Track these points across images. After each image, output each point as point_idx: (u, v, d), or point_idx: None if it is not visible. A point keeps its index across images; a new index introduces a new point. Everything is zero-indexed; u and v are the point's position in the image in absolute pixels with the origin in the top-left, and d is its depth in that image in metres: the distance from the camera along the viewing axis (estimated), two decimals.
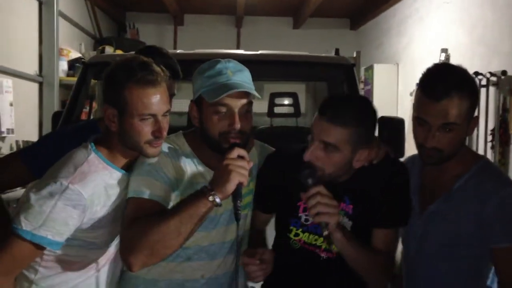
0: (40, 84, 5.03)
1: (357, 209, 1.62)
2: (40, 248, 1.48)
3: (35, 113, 4.97)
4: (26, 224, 1.44)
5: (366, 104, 1.57)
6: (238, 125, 1.54)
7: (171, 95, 1.81)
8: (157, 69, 1.54)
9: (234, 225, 1.59)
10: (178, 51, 3.91)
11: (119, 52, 5.73)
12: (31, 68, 4.88)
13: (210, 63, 1.61)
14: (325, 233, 1.47)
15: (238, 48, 8.00)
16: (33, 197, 1.46)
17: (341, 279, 1.65)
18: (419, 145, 1.62)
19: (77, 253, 1.57)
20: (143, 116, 1.51)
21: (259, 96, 1.60)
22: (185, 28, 8.41)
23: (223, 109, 1.55)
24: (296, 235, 1.68)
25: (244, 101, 1.56)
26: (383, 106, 6.15)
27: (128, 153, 1.60)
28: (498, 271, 1.63)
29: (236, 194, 1.46)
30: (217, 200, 1.43)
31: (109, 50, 5.91)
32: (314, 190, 1.46)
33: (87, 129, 1.83)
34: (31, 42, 4.91)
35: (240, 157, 1.47)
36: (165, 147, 1.61)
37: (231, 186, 1.43)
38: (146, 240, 1.41)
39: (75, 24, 6.14)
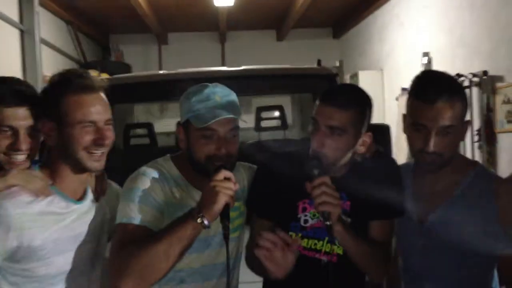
0: None
1: (354, 205, 1.63)
2: None
3: None
4: None
5: (360, 89, 1.67)
6: (224, 150, 1.55)
7: (34, 126, 1.54)
8: (94, 76, 1.52)
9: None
10: (161, 71, 3.92)
11: (104, 75, 5.74)
12: None
13: (198, 88, 1.62)
14: (327, 223, 1.50)
15: (223, 63, 8.04)
16: None
17: (343, 283, 1.65)
18: (418, 152, 1.60)
19: (12, 286, 1.45)
20: (82, 124, 1.46)
21: (246, 122, 1.62)
22: (170, 47, 8.45)
23: (210, 133, 1.56)
24: None
25: (230, 125, 1.57)
26: None
27: (73, 174, 1.52)
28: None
29: (224, 215, 1.46)
30: (205, 222, 1.43)
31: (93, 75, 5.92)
32: (320, 180, 1.50)
33: None
34: (14, 71, 4.89)
35: (227, 179, 1.47)
36: (153, 172, 1.61)
37: (218, 207, 1.43)
38: (135, 264, 1.40)
39: (59, 51, 6.14)
